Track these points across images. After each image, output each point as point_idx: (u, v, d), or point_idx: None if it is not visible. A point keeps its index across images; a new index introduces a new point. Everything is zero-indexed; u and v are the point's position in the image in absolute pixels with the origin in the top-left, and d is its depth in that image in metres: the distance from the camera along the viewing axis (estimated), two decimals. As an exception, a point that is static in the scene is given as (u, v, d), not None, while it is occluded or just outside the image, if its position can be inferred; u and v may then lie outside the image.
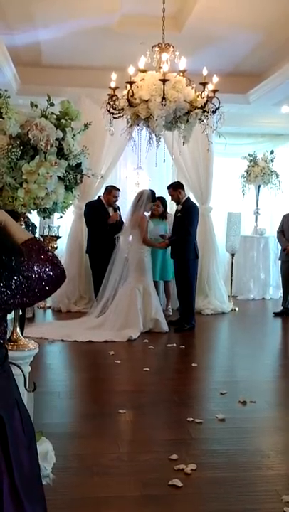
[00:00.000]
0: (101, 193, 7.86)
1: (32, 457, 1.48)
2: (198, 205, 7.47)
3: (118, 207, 7.65)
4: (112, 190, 7.61)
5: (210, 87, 4.62)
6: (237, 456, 3.35)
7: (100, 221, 7.44)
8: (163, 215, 7.69)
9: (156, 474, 3.10)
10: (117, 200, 7.64)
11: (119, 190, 7.72)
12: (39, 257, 1.38)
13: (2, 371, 1.40)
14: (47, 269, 1.38)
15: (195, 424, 3.83)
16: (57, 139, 2.56)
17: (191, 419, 3.89)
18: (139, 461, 3.28)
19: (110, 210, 7.58)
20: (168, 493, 2.91)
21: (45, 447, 2.85)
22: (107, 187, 7.73)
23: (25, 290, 1.32)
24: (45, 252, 1.41)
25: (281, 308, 7.89)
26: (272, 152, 9.30)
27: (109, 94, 4.85)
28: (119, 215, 7.52)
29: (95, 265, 7.49)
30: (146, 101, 4.57)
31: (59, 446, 3.15)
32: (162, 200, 7.64)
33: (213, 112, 4.70)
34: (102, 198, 7.68)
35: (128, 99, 4.61)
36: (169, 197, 7.34)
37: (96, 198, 7.83)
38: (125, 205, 7.87)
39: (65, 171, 2.60)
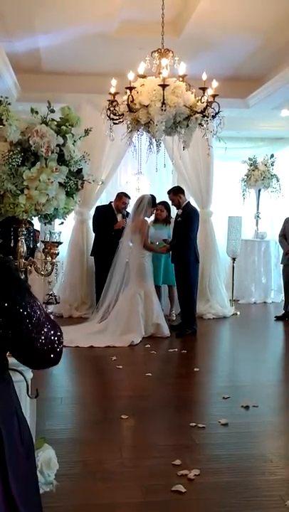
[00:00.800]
0: (105, 198, 7.97)
1: (30, 467, 1.47)
2: (198, 209, 7.48)
3: (127, 213, 7.73)
4: (122, 197, 7.76)
5: (209, 91, 4.63)
6: (240, 461, 3.35)
7: (106, 225, 7.55)
8: (167, 220, 7.71)
9: (160, 480, 3.09)
10: (126, 207, 7.77)
11: (129, 197, 7.85)
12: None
13: (2, 380, 1.40)
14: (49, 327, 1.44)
15: (198, 429, 3.82)
16: (57, 145, 2.57)
17: (194, 424, 3.88)
18: (142, 466, 3.28)
19: (119, 216, 7.70)
20: (171, 499, 2.90)
21: (48, 454, 2.83)
22: (118, 193, 7.91)
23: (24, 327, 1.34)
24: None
25: (283, 312, 7.88)
26: (272, 156, 9.31)
27: (109, 100, 4.86)
28: (126, 222, 7.59)
29: (99, 268, 7.58)
30: (146, 106, 4.58)
31: (62, 452, 3.14)
32: (166, 205, 7.65)
33: (213, 117, 4.70)
34: (113, 203, 7.80)
35: (128, 105, 4.62)
36: (170, 202, 7.35)
37: (108, 203, 7.98)
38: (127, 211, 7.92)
39: (66, 177, 2.61)
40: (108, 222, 7.58)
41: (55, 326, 1.45)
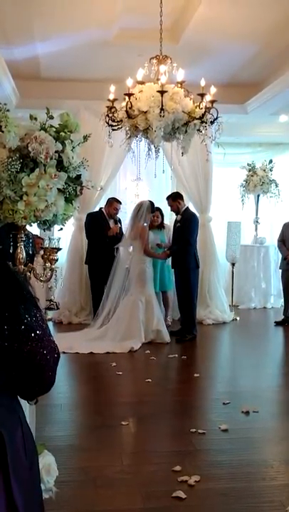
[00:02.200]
0: (102, 204, 7.90)
1: (33, 477, 1.47)
2: (197, 214, 7.49)
3: (119, 219, 7.70)
4: (113, 203, 7.67)
5: (208, 97, 4.65)
6: (241, 467, 3.33)
7: (99, 232, 7.48)
8: (161, 225, 7.72)
9: (160, 486, 3.08)
10: (117, 213, 7.70)
11: (120, 202, 7.76)
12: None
13: (6, 389, 1.40)
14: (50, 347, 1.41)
15: (198, 434, 3.81)
16: (56, 152, 2.57)
17: (194, 429, 3.87)
18: (142, 473, 3.26)
19: (111, 222, 7.62)
20: (172, 505, 2.89)
21: (47, 460, 2.82)
22: (108, 199, 7.79)
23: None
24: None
25: (282, 317, 7.87)
26: (271, 161, 9.33)
27: (107, 106, 4.88)
28: (120, 228, 7.55)
29: (94, 276, 7.52)
30: (145, 112, 4.60)
31: (62, 459, 3.12)
32: (160, 210, 7.67)
33: (212, 123, 4.72)
34: (103, 209, 7.73)
35: (127, 111, 4.64)
36: (169, 207, 7.36)
37: (97, 209, 7.88)
38: (125, 216, 7.92)
39: (65, 183, 2.61)
40: (101, 229, 7.48)
41: (55, 344, 1.45)
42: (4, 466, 1.33)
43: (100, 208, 7.81)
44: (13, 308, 1.33)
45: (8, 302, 1.33)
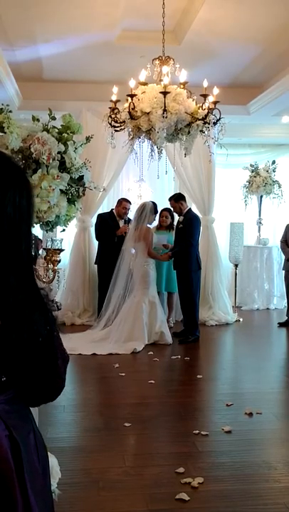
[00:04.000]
0: (104, 205, 7.99)
1: (46, 482, 1.48)
2: (200, 216, 7.48)
3: (129, 219, 7.73)
4: (122, 202, 7.78)
5: (210, 98, 4.64)
6: (244, 469, 3.32)
7: (108, 232, 7.55)
8: (170, 227, 7.72)
9: (163, 488, 3.07)
10: (127, 213, 7.78)
11: (130, 202, 7.86)
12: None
13: (19, 395, 1.40)
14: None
15: (201, 436, 3.80)
16: (59, 153, 2.58)
17: (197, 431, 3.86)
18: (145, 475, 3.25)
19: (121, 222, 7.70)
20: (175, 508, 2.88)
21: (50, 462, 2.82)
22: (119, 199, 7.92)
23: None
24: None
25: (286, 318, 7.85)
26: (273, 162, 9.33)
27: (110, 108, 4.87)
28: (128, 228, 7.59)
29: (103, 277, 7.54)
30: (148, 113, 4.59)
31: (64, 460, 3.13)
32: (170, 211, 7.66)
33: (214, 124, 4.71)
34: (113, 210, 7.82)
35: (129, 112, 4.63)
36: (171, 209, 7.35)
37: (109, 210, 8.01)
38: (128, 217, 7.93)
39: (68, 184, 2.61)
40: (111, 230, 7.58)
41: (67, 354, 1.47)
42: (20, 473, 1.33)
43: (112, 209, 7.91)
44: (33, 320, 1.31)
45: (29, 316, 1.31)
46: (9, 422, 1.33)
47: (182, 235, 6.94)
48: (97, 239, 7.84)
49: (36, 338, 1.31)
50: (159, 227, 7.64)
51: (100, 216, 7.86)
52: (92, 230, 8.07)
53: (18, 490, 1.32)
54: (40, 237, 6.54)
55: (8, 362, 1.29)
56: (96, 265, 7.86)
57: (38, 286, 1.36)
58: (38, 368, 1.35)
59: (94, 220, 8.08)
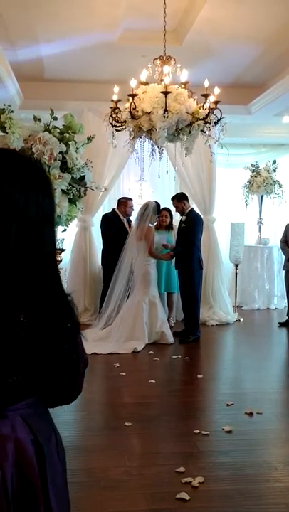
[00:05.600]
0: (105, 205, 7.94)
1: (64, 482, 1.50)
2: (201, 215, 7.48)
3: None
4: (127, 202, 7.72)
5: (211, 98, 4.65)
6: (245, 469, 3.33)
7: (114, 233, 7.49)
8: (170, 226, 7.71)
9: (164, 488, 3.08)
10: (133, 210, 7.71)
11: (131, 199, 7.83)
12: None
13: (41, 398, 1.40)
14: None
15: (202, 436, 3.80)
16: (60, 153, 2.58)
17: (198, 431, 3.86)
18: (146, 474, 3.26)
19: (125, 222, 7.64)
20: (176, 507, 2.88)
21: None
22: (120, 199, 7.83)
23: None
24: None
25: (286, 318, 7.85)
26: (274, 162, 9.33)
27: (111, 107, 4.87)
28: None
29: (107, 277, 7.38)
30: (149, 113, 4.60)
31: (66, 460, 3.12)
32: (169, 211, 7.66)
33: (215, 123, 4.72)
34: (116, 210, 7.75)
35: (130, 112, 4.63)
36: (174, 208, 7.35)
37: (110, 210, 7.96)
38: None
39: (69, 184, 2.62)
40: (116, 230, 7.52)
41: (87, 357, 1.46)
42: (43, 477, 1.35)
43: (113, 209, 7.85)
44: (62, 328, 1.31)
45: (58, 322, 1.31)
46: (34, 425, 1.35)
47: (185, 234, 6.93)
48: (103, 239, 7.76)
49: (62, 344, 1.30)
50: (159, 227, 7.63)
51: (104, 217, 7.76)
52: (93, 229, 8.06)
53: (41, 495, 1.34)
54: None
55: (34, 364, 1.29)
56: (102, 266, 7.80)
57: (64, 291, 1.35)
58: (62, 370, 1.34)
59: (95, 219, 8.06)
